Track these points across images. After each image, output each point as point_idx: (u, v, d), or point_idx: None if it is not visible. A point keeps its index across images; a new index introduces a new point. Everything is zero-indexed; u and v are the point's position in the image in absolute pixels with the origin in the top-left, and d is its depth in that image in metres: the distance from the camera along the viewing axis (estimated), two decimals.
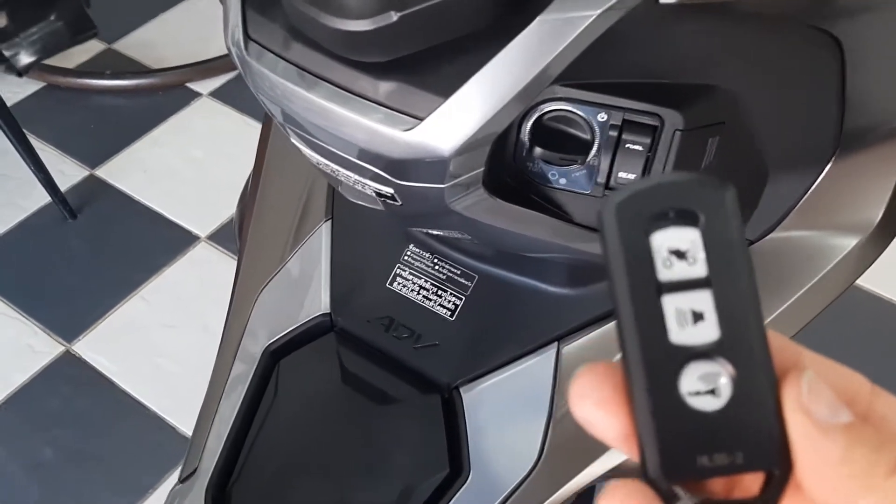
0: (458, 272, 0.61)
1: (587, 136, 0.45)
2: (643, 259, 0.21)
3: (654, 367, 0.21)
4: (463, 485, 0.57)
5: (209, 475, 0.62)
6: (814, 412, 0.20)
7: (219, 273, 1.57)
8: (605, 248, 0.21)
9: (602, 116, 0.45)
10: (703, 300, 0.21)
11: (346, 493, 0.59)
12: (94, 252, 1.62)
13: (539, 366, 0.58)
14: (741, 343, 0.21)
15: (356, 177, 0.44)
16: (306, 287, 0.64)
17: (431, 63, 0.37)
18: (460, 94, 0.37)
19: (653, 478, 0.21)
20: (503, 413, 0.58)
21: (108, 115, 1.89)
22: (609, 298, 0.22)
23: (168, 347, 1.46)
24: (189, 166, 1.77)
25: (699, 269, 0.21)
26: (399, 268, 0.62)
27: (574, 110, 0.45)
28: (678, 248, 0.21)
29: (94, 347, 1.46)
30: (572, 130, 0.45)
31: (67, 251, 1.62)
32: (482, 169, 0.42)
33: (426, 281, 0.62)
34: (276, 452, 0.62)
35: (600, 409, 0.21)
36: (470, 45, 0.37)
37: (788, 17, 0.43)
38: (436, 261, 0.62)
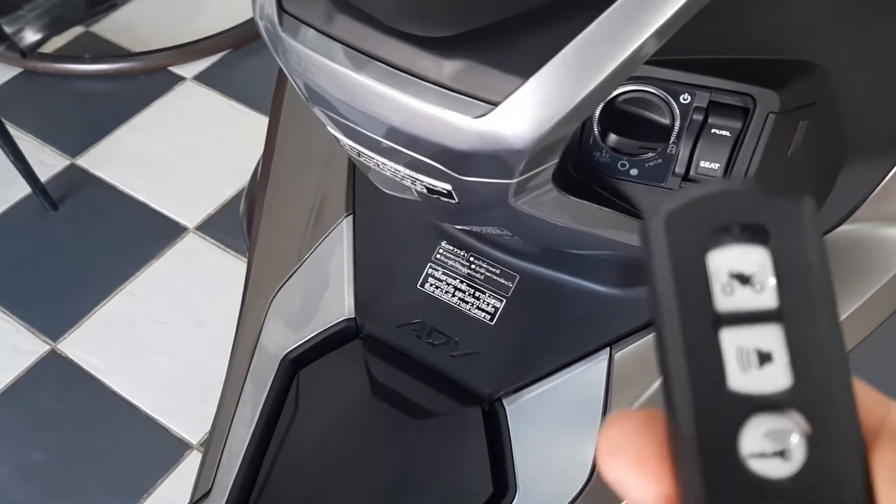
0: (498, 272, 0.56)
1: (666, 121, 0.40)
2: (698, 284, 0.17)
3: (707, 420, 0.17)
4: None
5: (226, 497, 0.57)
6: None
7: (210, 265, 1.50)
8: (651, 270, 0.17)
9: (685, 98, 0.39)
10: (772, 337, 0.17)
11: None
12: (78, 245, 1.54)
13: (589, 374, 0.53)
14: (819, 393, 0.17)
15: (407, 171, 0.38)
16: (327, 289, 0.59)
17: (508, 37, 0.32)
18: (544, 73, 0.31)
19: None
20: (551, 426, 0.53)
21: (89, 102, 1.81)
22: (655, 330, 0.17)
23: (159, 344, 1.39)
24: (175, 154, 1.69)
25: (768, 298, 0.17)
26: (431, 267, 0.57)
27: (653, 91, 0.39)
28: (742, 272, 0.17)
29: (82, 346, 1.40)
30: (649, 114, 0.40)
31: (49, 244, 1.55)
32: (556, 161, 0.36)
33: (462, 282, 0.56)
34: (299, 472, 0.56)
35: (636, 471, 0.17)
36: (554, 15, 0.31)
37: None
38: (472, 259, 0.56)
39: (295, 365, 0.58)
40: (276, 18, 0.36)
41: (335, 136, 0.40)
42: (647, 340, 0.53)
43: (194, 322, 1.42)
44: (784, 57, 0.39)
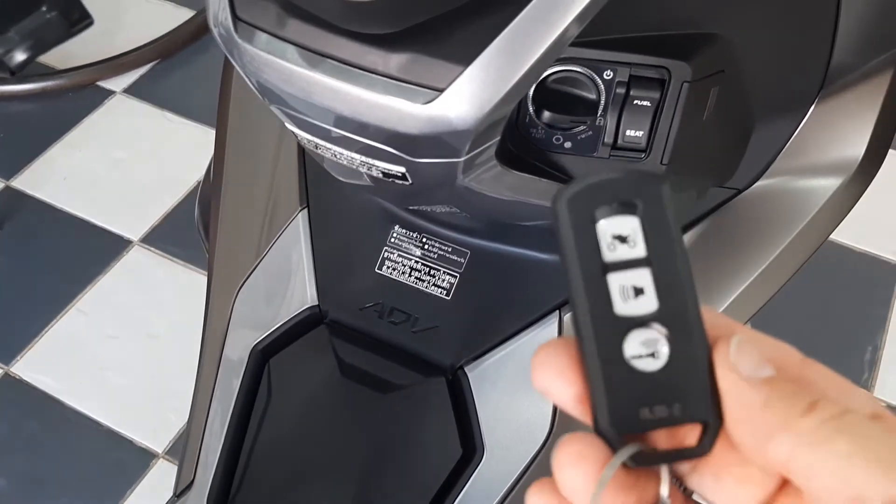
0: (450, 249, 0.59)
1: (593, 96, 0.44)
2: (590, 243, 0.24)
3: (601, 335, 0.24)
4: (478, 465, 0.56)
5: (208, 487, 0.59)
6: (740, 368, 0.23)
7: (157, 276, 1.51)
8: (559, 235, 0.24)
9: (608, 74, 0.43)
10: (642, 277, 0.24)
11: (359, 490, 0.57)
12: (22, 267, 1.53)
13: (542, 336, 0.57)
14: (677, 312, 0.23)
15: (363, 158, 0.41)
16: (289, 280, 0.61)
17: (446, 30, 0.35)
18: (482, 59, 0.35)
19: (603, 431, 0.23)
20: (511, 388, 0.57)
21: (17, 122, 1.78)
22: (565, 278, 0.24)
23: (113, 359, 1.40)
24: (111, 168, 1.69)
25: (639, 250, 0.24)
26: (387, 251, 0.60)
27: (579, 70, 0.43)
28: (621, 234, 0.24)
29: (35, 367, 1.39)
30: (577, 91, 0.44)
31: None
32: (498, 139, 0.40)
33: (417, 262, 0.59)
34: (278, 457, 0.59)
35: (557, 378, 0.24)
36: (487, 8, 0.35)
37: None
38: (425, 240, 0.60)
39: (264, 355, 0.60)
40: (230, 25, 0.38)
41: (293, 132, 0.43)
42: None
43: (145, 334, 1.43)
44: (691, 31, 0.43)
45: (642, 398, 0.23)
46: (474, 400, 0.57)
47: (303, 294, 0.60)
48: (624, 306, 0.24)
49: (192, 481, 0.60)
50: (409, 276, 0.59)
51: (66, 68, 1.86)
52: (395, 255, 0.60)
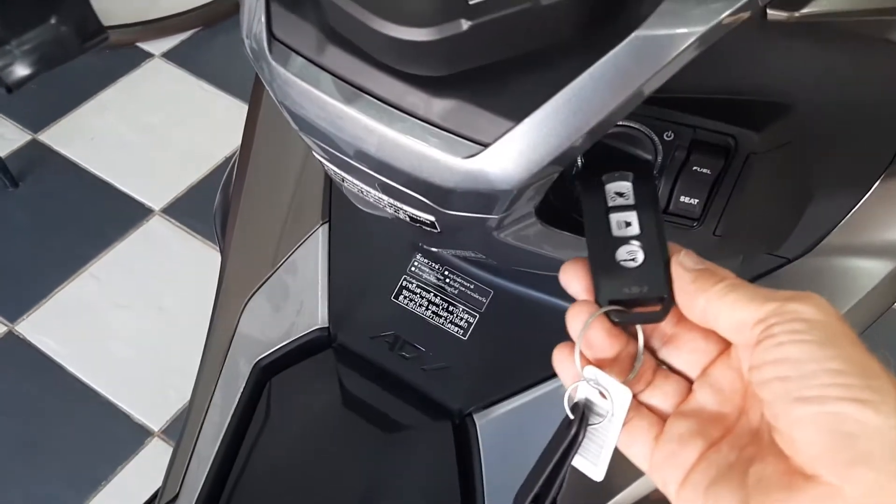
0: (472, 286, 0.56)
1: (649, 157, 0.40)
2: (600, 196, 0.37)
3: (602, 248, 0.36)
4: None
5: (193, 502, 0.56)
6: (684, 263, 0.34)
7: (175, 249, 1.49)
8: (581, 193, 0.37)
9: (668, 135, 0.40)
10: (631, 216, 0.36)
11: None
12: (39, 224, 1.51)
13: (560, 391, 0.53)
14: (650, 235, 0.36)
15: (391, 200, 0.38)
16: (301, 297, 0.58)
17: (501, 79, 0.32)
18: (536, 117, 0.31)
19: (598, 300, 0.35)
20: (520, 443, 0.54)
21: (51, 76, 1.75)
22: (584, 219, 0.36)
23: (121, 329, 1.38)
24: (140, 133, 1.67)
25: (629, 201, 0.37)
26: (405, 280, 0.57)
27: (637, 127, 0.39)
28: (619, 191, 0.37)
29: (41, 328, 1.37)
30: (632, 149, 0.40)
31: (9, 222, 1.52)
32: (538, 200, 0.36)
33: (436, 295, 0.56)
34: (268, 480, 0.56)
35: (575, 277, 0.36)
36: (548, 61, 0.31)
37: (884, 37, 0.38)
38: (447, 273, 0.56)
39: (266, 372, 0.57)
40: (264, 43, 0.35)
41: (319, 160, 0.40)
42: None
43: (156, 307, 1.41)
44: (765, 98, 0.40)
45: (625, 283, 0.35)
46: (480, 450, 0.54)
47: (313, 314, 0.58)
48: (617, 231, 0.36)
49: (177, 495, 0.58)
50: (426, 309, 0.56)
51: (107, 25, 1.84)
52: (414, 285, 0.57)
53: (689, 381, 0.36)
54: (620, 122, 0.40)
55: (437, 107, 0.32)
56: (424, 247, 0.57)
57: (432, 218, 0.37)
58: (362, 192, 0.39)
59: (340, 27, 0.32)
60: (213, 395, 0.59)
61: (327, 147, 0.37)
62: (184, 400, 1.30)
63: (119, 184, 1.58)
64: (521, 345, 0.55)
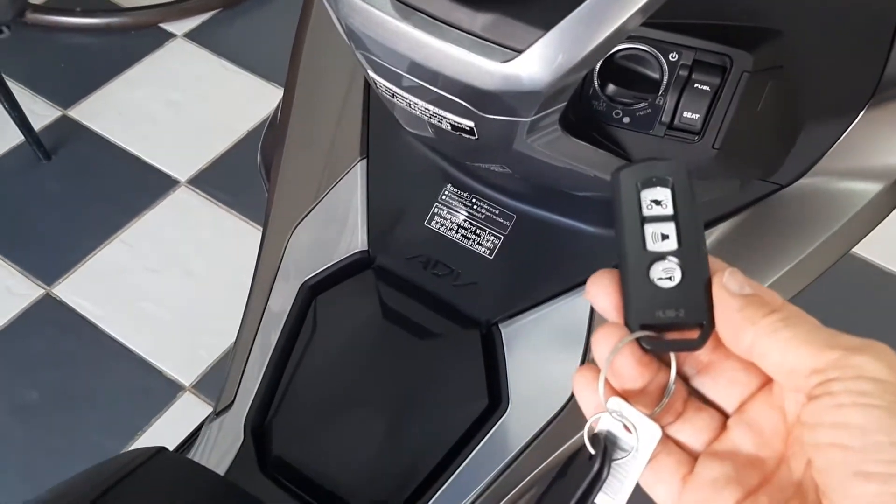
0: (497, 212, 0.62)
1: (656, 76, 0.46)
2: (635, 204, 0.33)
3: (636, 263, 0.33)
4: (502, 416, 0.59)
5: (247, 409, 0.63)
6: (728, 286, 0.31)
7: (201, 218, 1.55)
8: (615, 197, 0.34)
9: (673, 56, 0.46)
10: (668, 228, 0.33)
11: (386, 427, 0.61)
12: (71, 194, 1.58)
13: (576, 304, 0.60)
14: (689, 251, 0.33)
15: (435, 109, 0.44)
16: (343, 225, 0.65)
17: None
18: (562, 26, 0.37)
19: (629, 323, 0.32)
20: (541, 348, 0.60)
21: (79, 55, 1.83)
22: (615, 226, 0.34)
23: (152, 291, 1.45)
24: (166, 109, 1.73)
25: (668, 210, 0.33)
26: (437, 207, 0.63)
27: (646, 49, 0.46)
28: (656, 199, 0.33)
29: (76, 290, 1.44)
30: (642, 69, 0.46)
31: (43, 193, 1.59)
32: (565, 104, 0.43)
33: (465, 220, 0.62)
34: (315, 388, 0.63)
35: (603, 291, 0.33)
36: None
37: None
38: (474, 201, 0.63)
39: (313, 291, 0.64)
40: None
41: (372, 79, 0.47)
42: None
43: (184, 271, 1.48)
44: (757, 24, 0.46)
45: (659, 304, 0.32)
46: (505, 355, 0.60)
47: (354, 239, 0.64)
48: (653, 245, 0.33)
49: (233, 402, 0.64)
50: (456, 232, 0.62)
51: (131, 7, 1.91)
52: (445, 211, 0.63)
53: (724, 415, 0.33)
54: (632, 45, 0.46)
55: (479, 20, 0.39)
56: (454, 176, 0.63)
57: (472, 124, 0.44)
58: (410, 105, 0.46)
59: None
60: (264, 312, 0.66)
61: (382, 62, 0.43)
62: (213, 357, 1.37)
63: (146, 157, 1.65)
64: (540, 263, 0.61)
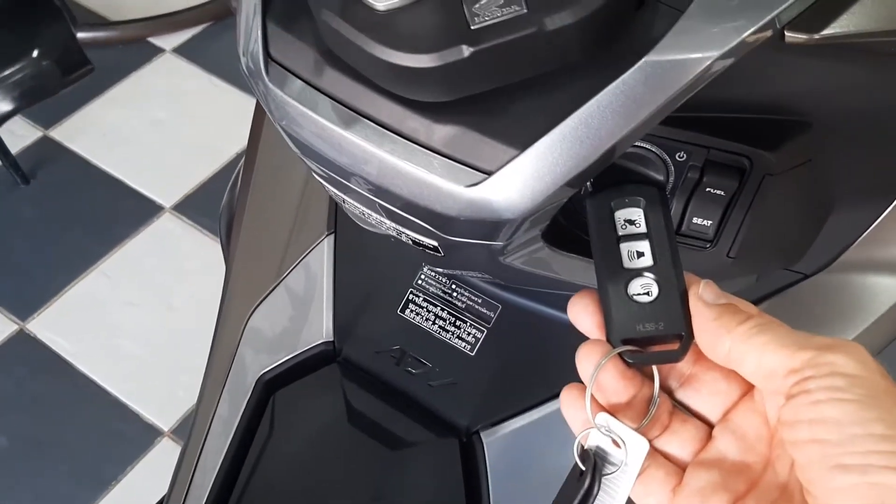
0: (480, 301, 0.55)
1: (661, 177, 0.39)
2: (610, 225, 0.35)
3: (613, 281, 0.34)
4: None
5: None
6: (704, 297, 0.32)
7: (184, 247, 1.48)
8: (590, 220, 0.35)
9: (681, 155, 0.38)
10: (643, 245, 0.34)
11: None
12: (49, 221, 1.51)
13: None
14: (664, 267, 0.34)
15: (393, 224, 0.37)
16: (306, 310, 0.58)
17: (504, 105, 0.30)
18: (541, 145, 0.30)
19: (610, 339, 0.33)
20: (528, 461, 0.53)
21: None
22: (591, 248, 0.35)
23: (130, 327, 1.38)
24: (151, 129, 1.66)
25: (641, 229, 0.34)
26: (412, 293, 0.56)
27: (649, 147, 0.38)
28: (629, 218, 0.35)
29: (51, 326, 1.37)
30: (644, 170, 0.39)
31: (20, 220, 1.52)
32: (545, 224, 0.35)
33: (443, 309, 0.55)
34: (272, 496, 0.55)
35: (584, 311, 0.34)
36: (553, 86, 0.30)
37: None
38: (454, 287, 0.55)
39: (270, 386, 0.57)
40: (261, 64, 0.34)
41: (319, 182, 0.39)
42: None
43: (165, 305, 1.41)
44: (781, 117, 0.38)
45: (639, 319, 0.33)
46: (487, 468, 0.53)
47: (318, 327, 0.57)
48: (629, 263, 0.34)
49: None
50: (433, 323, 0.55)
51: (118, 20, 1.84)
52: (421, 298, 0.56)
53: (709, 425, 0.34)
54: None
55: (439, 133, 0.31)
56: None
57: (435, 243, 0.36)
58: (363, 213, 0.38)
59: (339, 51, 0.31)
60: (217, 407, 0.58)
61: (326, 170, 0.35)
62: (193, 399, 1.29)
63: (130, 181, 1.58)
64: (529, 361, 0.54)
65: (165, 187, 1.56)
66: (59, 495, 1.20)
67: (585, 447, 0.34)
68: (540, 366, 0.54)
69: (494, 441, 0.53)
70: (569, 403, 0.35)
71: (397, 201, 0.34)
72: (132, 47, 1.81)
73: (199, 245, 1.49)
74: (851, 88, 0.40)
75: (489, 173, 0.31)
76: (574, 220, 0.43)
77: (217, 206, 1.58)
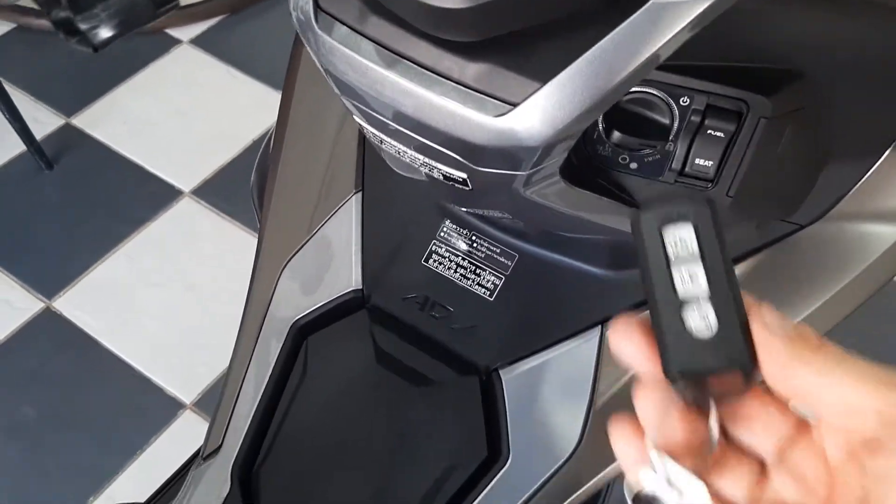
0: (498, 250, 0.59)
1: (666, 121, 0.43)
2: (659, 246, 0.32)
3: (668, 310, 0.31)
4: (502, 468, 0.56)
5: (234, 455, 0.60)
6: (769, 325, 0.29)
7: (204, 229, 1.53)
8: (638, 243, 0.32)
9: (684, 100, 0.42)
10: (696, 269, 0.31)
11: (379, 478, 0.58)
12: (73, 205, 1.56)
13: (581, 349, 0.57)
14: (721, 291, 0.31)
15: (426, 159, 0.41)
16: (336, 262, 0.62)
17: (528, 44, 0.35)
18: (560, 79, 0.34)
19: (669, 375, 0.30)
20: (543, 396, 0.57)
21: (83, 61, 1.81)
22: (640, 271, 0.32)
23: (152, 306, 1.42)
24: (170, 117, 1.71)
25: (694, 250, 0.31)
26: (435, 244, 0.60)
27: (655, 93, 0.42)
28: (680, 238, 0.31)
29: (76, 304, 1.42)
30: (651, 114, 0.43)
31: (44, 203, 1.56)
32: (565, 156, 0.39)
33: (464, 259, 0.59)
34: (305, 434, 0.60)
35: (630, 342, 0.31)
36: (571, 27, 0.34)
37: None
38: (474, 238, 0.59)
39: (303, 332, 0.61)
40: (311, 13, 0.38)
41: (359, 123, 0.43)
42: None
43: (186, 285, 1.45)
44: (776, 66, 0.42)
45: (697, 351, 0.30)
46: (505, 404, 0.57)
47: (348, 277, 0.61)
48: (683, 289, 0.31)
49: (220, 446, 0.61)
50: (455, 271, 0.59)
51: None
52: (443, 249, 0.60)
53: (762, 462, 0.32)
54: (640, 89, 0.43)
55: (471, 70, 0.35)
56: (453, 212, 0.60)
57: (465, 175, 0.40)
58: (399, 152, 0.42)
59: None
60: (253, 353, 0.63)
61: (368, 109, 0.40)
62: (214, 375, 1.34)
63: (149, 166, 1.62)
64: (544, 305, 0.58)
65: (184, 172, 1.61)
66: (86, 464, 1.24)
67: (641, 491, 0.32)
68: (553, 309, 0.58)
69: (512, 378, 0.57)
70: (620, 438, 0.32)
71: (432, 134, 0.38)
72: (150, 38, 1.86)
73: (217, 228, 1.53)
74: (844, 40, 0.44)
75: (515, 105, 0.35)
76: (587, 165, 0.47)
77: (235, 190, 1.64)
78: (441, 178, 0.42)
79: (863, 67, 0.45)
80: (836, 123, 0.49)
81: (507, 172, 0.39)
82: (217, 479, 0.60)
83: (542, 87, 0.34)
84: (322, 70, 0.40)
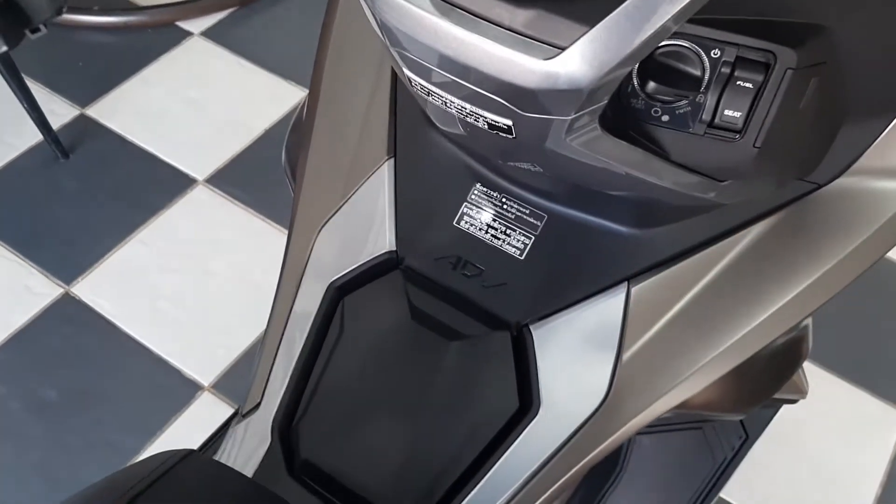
0: (527, 211, 0.61)
1: (698, 73, 0.45)
2: None
3: None
4: (533, 419, 0.58)
5: (274, 411, 0.62)
6: None
7: (217, 217, 1.55)
8: None
9: (715, 52, 0.45)
10: None
11: (415, 430, 0.60)
12: (89, 193, 1.58)
13: (609, 305, 0.59)
14: None
15: (472, 107, 0.43)
16: (370, 225, 0.64)
17: None
18: (607, 22, 0.36)
19: None
20: (572, 350, 0.59)
21: (97, 53, 1.83)
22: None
23: (170, 291, 1.44)
24: (183, 108, 1.73)
25: None
26: (466, 206, 0.62)
27: (687, 45, 0.45)
28: None
29: (94, 290, 1.44)
30: (682, 66, 0.45)
31: (61, 192, 1.59)
32: (605, 103, 0.42)
33: (494, 220, 0.62)
34: (342, 389, 0.62)
35: None
36: None
37: None
38: (504, 200, 0.62)
39: (340, 292, 0.63)
40: None
41: (407, 77, 0.46)
42: (662, 276, 0.59)
43: (202, 270, 1.47)
44: (803, 20, 0.45)
45: None
46: (536, 357, 0.59)
47: (382, 239, 0.63)
48: None
49: (259, 403, 0.64)
50: (486, 232, 0.61)
51: (148, 5, 1.91)
52: (474, 211, 0.62)
53: None
54: (673, 42, 0.45)
55: (521, 16, 0.38)
56: (483, 175, 0.62)
57: (510, 122, 0.43)
58: (445, 103, 0.45)
59: None
60: (290, 314, 0.65)
61: (419, 59, 0.42)
62: (232, 357, 1.36)
63: (164, 155, 1.64)
64: (572, 263, 0.60)
65: (198, 161, 1.63)
66: (106, 444, 1.26)
67: None
68: (581, 267, 0.60)
69: (542, 333, 0.59)
70: None
71: (482, 80, 0.40)
72: (161, 31, 1.88)
73: (231, 215, 1.55)
74: None
75: (563, 48, 0.37)
76: (621, 115, 0.49)
77: (248, 178, 1.66)
78: (486, 126, 0.45)
79: (881, 24, 0.48)
80: (855, 80, 0.52)
81: (552, 117, 0.41)
82: (257, 434, 0.63)
83: (588, 31, 0.37)
84: (372, 20, 0.43)
